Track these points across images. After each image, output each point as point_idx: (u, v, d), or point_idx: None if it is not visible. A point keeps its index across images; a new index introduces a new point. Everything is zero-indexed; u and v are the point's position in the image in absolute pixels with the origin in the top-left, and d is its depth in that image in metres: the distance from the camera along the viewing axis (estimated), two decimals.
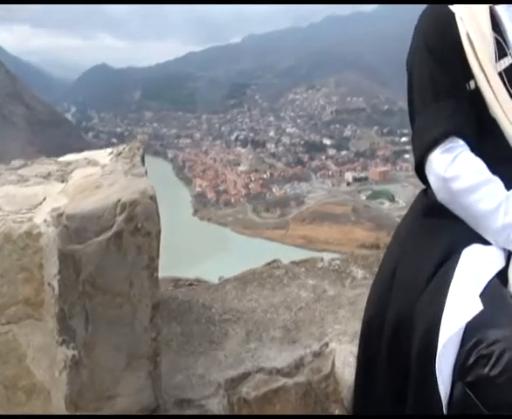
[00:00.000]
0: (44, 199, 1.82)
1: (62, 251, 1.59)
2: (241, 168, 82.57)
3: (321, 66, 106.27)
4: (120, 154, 2.27)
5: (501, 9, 1.57)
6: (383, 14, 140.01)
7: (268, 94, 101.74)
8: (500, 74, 1.51)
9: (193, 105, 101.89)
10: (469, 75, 1.51)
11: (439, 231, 1.53)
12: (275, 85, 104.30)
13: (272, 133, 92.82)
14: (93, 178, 1.93)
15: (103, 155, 2.37)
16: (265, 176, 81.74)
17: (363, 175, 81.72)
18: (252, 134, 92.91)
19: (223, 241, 65.49)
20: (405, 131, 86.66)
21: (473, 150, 1.48)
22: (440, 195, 1.50)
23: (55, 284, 1.61)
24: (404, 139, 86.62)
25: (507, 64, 1.54)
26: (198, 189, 77.82)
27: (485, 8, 1.54)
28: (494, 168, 1.47)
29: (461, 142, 1.47)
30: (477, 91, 1.50)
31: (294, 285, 2.66)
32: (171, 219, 66.75)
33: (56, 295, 1.61)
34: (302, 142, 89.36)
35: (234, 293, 2.59)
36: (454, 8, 1.54)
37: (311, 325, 2.32)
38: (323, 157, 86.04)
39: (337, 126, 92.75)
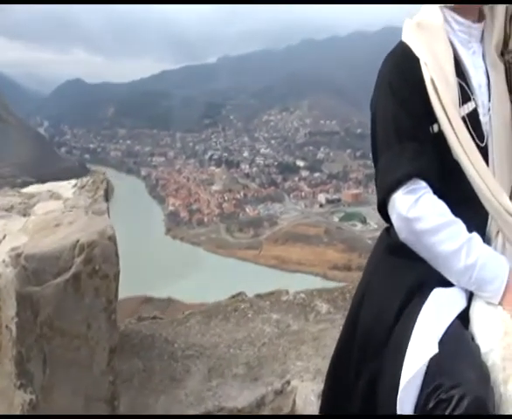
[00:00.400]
0: (4, 237, 1.81)
1: (20, 293, 1.58)
2: (215, 188, 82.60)
3: (295, 89, 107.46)
4: (83, 186, 2.27)
5: (464, 55, 1.61)
6: (357, 40, 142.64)
7: (243, 115, 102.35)
8: (463, 119, 1.54)
9: (167, 123, 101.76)
10: (433, 119, 1.53)
11: (402, 272, 1.54)
12: (250, 106, 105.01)
13: (246, 154, 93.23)
14: (54, 214, 1.92)
15: (67, 188, 2.35)
16: (238, 196, 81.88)
17: (335, 196, 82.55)
18: (226, 154, 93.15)
19: (195, 260, 65.05)
20: None
21: (435, 192, 1.50)
22: (403, 235, 1.51)
23: (13, 326, 1.59)
24: None
25: (470, 108, 1.57)
26: (171, 208, 77.41)
27: (449, 54, 1.57)
28: (457, 209, 1.48)
29: (424, 184, 1.48)
30: (440, 134, 1.52)
31: (259, 320, 2.66)
32: (144, 238, 66.44)
33: (14, 338, 1.59)
34: (276, 163, 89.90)
35: (198, 327, 2.58)
36: (419, 53, 1.55)
37: (274, 361, 2.32)
38: (297, 178, 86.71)
39: (311, 148, 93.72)
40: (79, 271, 1.59)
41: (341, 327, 1.82)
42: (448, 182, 1.52)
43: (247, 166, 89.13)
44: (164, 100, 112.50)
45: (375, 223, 75.56)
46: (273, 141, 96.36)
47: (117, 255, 1.66)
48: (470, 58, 1.61)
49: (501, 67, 1.64)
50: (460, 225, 1.46)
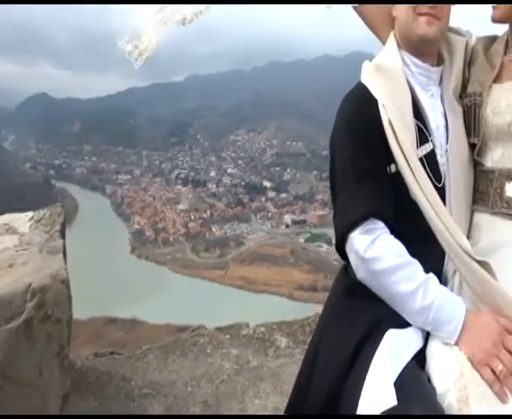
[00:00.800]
0: None
1: None
2: (181, 207, 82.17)
3: (262, 110, 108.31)
4: (40, 220, 2.23)
5: (423, 97, 1.63)
6: (324, 64, 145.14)
7: (210, 134, 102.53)
8: (421, 159, 1.55)
9: (134, 141, 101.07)
10: (390, 159, 1.54)
11: (359, 311, 1.54)
12: (217, 126, 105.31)
13: (213, 173, 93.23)
14: (8, 253, 1.88)
15: (23, 221, 2.31)
16: (205, 216, 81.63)
17: (301, 217, 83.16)
18: (192, 173, 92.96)
19: (160, 280, 64.32)
20: None
21: (393, 232, 1.50)
22: (360, 274, 1.51)
23: None
24: None
25: (428, 150, 1.59)
26: (137, 227, 76.64)
27: (407, 96, 1.59)
28: (414, 248, 1.49)
29: (381, 224, 1.49)
30: (398, 174, 1.53)
31: (218, 355, 2.64)
32: (108, 256, 65.37)
33: None
34: (243, 183, 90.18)
35: (156, 364, 2.54)
36: (377, 95, 1.57)
37: (232, 399, 2.31)
38: (263, 199, 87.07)
39: (277, 169, 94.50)
40: (31, 316, 1.57)
41: (300, 362, 1.81)
42: (406, 221, 1.52)
43: (214, 185, 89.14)
44: (131, 118, 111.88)
45: None
46: (240, 161, 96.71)
47: (70, 299, 1.64)
48: (428, 100, 1.64)
49: (460, 110, 1.68)
50: (416, 266, 1.47)
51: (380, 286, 1.48)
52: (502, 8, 1.61)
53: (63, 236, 2.08)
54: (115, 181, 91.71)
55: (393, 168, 1.53)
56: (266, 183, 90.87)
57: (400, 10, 1.64)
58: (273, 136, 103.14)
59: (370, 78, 1.62)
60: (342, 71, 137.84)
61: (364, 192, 1.50)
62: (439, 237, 1.50)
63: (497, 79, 1.65)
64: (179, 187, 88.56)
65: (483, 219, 1.63)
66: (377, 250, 1.47)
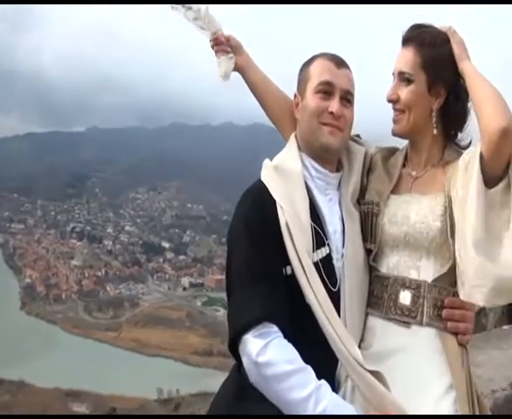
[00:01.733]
0: None
1: None
2: (75, 263, 78.83)
3: (164, 170, 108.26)
4: None
5: (321, 201, 1.67)
6: (228, 131, 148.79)
7: (109, 189, 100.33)
8: (317, 263, 1.57)
9: (29, 188, 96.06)
10: (286, 261, 1.55)
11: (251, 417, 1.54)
12: (117, 181, 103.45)
13: (110, 230, 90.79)
14: None
15: None
16: (99, 274, 78.83)
17: (199, 281, 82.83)
18: (89, 228, 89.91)
19: (51, 340, 60.65)
20: None
21: (287, 335, 1.50)
22: (253, 378, 1.49)
23: None
24: None
25: (324, 254, 1.61)
26: (28, 281, 72.23)
27: (305, 200, 1.62)
28: (308, 352, 1.49)
29: (275, 328, 1.48)
30: (293, 277, 1.54)
31: None
32: None
33: None
34: (141, 242, 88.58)
35: None
36: (276, 196, 1.60)
37: None
38: (161, 260, 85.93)
39: (176, 230, 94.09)
40: None
41: None
42: (300, 325, 1.54)
43: (110, 242, 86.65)
44: (27, 163, 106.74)
45: None
46: (138, 220, 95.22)
47: None
48: (327, 204, 1.68)
49: (357, 215, 1.73)
50: (309, 372, 1.47)
51: (272, 392, 1.47)
52: (404, 122, 1.69)
53: None
54: (8, 229, 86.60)
55: (289, 270, 1.55)
56: (165, 244, 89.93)
57: (303, 115, 1.70)
58: (174, 197, 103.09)
59: (269, 179, 1.64)
60: (244, 140, 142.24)
61: (259, 294, 1.50)
62: (332, 344, 1.52)
63: (395, 190, 1.73)
64: (74, 241, 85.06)
65: (377, 324, 1.68)
66: (269, 355, 1.46)
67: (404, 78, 1.66)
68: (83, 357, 57.89)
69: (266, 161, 1.69)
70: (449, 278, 1.60)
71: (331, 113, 1.63)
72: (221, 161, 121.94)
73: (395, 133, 1.74)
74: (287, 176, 1.63)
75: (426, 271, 1.63)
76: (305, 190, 1.63)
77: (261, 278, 1.50)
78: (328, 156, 1.69)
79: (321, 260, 1.58)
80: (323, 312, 1.52)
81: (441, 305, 1.60)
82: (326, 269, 1.58)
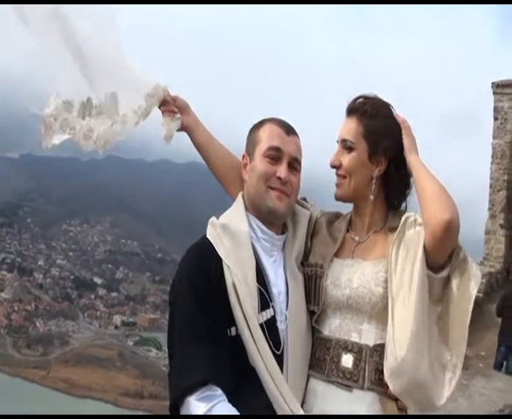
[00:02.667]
0: None
1: None
2: (4, 296, 75.84)
3: (97, 203, 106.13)
4: None
5: (267, 262, 1.68)
6: (163, 168, 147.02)
7: (41, 220, 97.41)
8: (261, 325, 1.56)
9: None
10: (232, 321, 1.54)
11: None
12: (49, 212, 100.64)
13: (41, 262, 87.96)
14: None
15: None
16: (29, 308, 76.20)
17: (131, 319, 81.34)
18: (19, 259, 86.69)
19: None
20: None
21: (230, 397, 1.47)
22: None
23: None
24: None
25: (269, 316, 1.60)
26: None
27: (252, 262, 1.62)
28: (253, 414, 1.50)
29: (219, 391, 1.45)
30: (238, 337, 1.54)
31: None
32: None
33: None
34: (72, 277, 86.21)
35: None
36: (222, 254, 1.59)
37: None
38: (93, 296, 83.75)
39: (109, 266, 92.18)
40: None
41: None
42: (245, 387, 1.52)
43: (41, 275, 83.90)
44: None
45: None
46: (71, 253, 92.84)
47: None
48: (271, 265, 1.70)
49: (301, 277, 1.76)
50: None
51: None
52: (345, 187, 1.74)
53: None
54: None
55: (233, 331, 1.54)
56: (97, 280, 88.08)
57: (251, 178, 1.73)
58: (108, 231, 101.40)
59: (215, 237, 1.64)
60: (180, 177, 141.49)
61: (203, 355, 1.47)
62: (275, 406, 1.53)
63: (338, 254, 1.76)
64: (4, 272, 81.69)
65: (318, 386, 1.68)
66: None
67: (346, 145, 1.73)
68: (10, 396, 56.08)
69: (213, 219, 1.70)
70: None
71: (279, 178, 1.68)
72: (156, 198, 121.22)
73: (337, 197, 1.80)
74: (234, 236, 1.65)
75: (368, 334, 1.66)
76: (252, 252, 1.65)
77: (205, 338, 1.49)
78: (274, 220, 1.73)
79: (265, 322, 1.59)
80: (268, 374, 1.52)
81: (382, 370, 1.61)
82: (270, 331, 1.60)
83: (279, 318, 1.66)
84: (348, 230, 1.83)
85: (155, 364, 71.24)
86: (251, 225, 1.72)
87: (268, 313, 1.63)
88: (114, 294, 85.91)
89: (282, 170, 1.69)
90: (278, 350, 1.61)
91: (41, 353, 70.55)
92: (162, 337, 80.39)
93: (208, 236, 1.67)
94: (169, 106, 1.88)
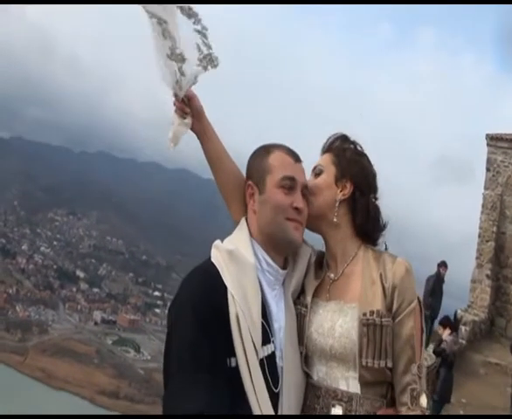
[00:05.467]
0: None
1: None
2: None
3: (85, 196, 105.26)
4: None
5: (270, 296, 1.62)
6: (154, 171, 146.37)
7: (28, 205, 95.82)
8: (261, 361, 1.51)
9: None
10: (232, 352, 1.48)
11: None
12: (36, 198, 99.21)
13: (25, 247, 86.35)
14: None
15: None
16: (10, 291, 74.52)
17: (112, 318, 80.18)
18: (3, 240, 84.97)
19: None
20: (159, 286, 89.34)
21: None
22: None
23: None
24: (156, 293, 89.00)
25: (269, 351, 1.55)
26: None
27: (258, 296, 1.56)
28: None
29: None
30: (237, 369, 1.48)
31: None
32: None
33: None
34: (55, 267, 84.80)
35: None
36: (228, 283, 1.54)
37: None
38: (74, 289, 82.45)
39: (93, 261, 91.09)
40: None
41: None
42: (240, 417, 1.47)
43: (24, 260, 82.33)
44: None
45: (148, 354, 74.93)
46: (55, 242, 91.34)
47: None
48: (273, 299, 1.64)
49: (295, 315, 1.70)
50: None
51: None
52: (310, 207, 1.71)
53: None
54: None
55: (233, 362, 1.49)
56: (80, 273, 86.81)
57: (265, 210, 1.64)
58: (94, 226, 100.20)
59: (222, 263, 1.58)
60: (170, 183, 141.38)
61: (202, 383, 1.41)
62: None
63: (318, 294, 1.72)
64: None
65: None
66: None
67: (316, 171, 1.77)
68: None
69: (218, 243, 1.64)
70: (380, 390, 1.61)
71: (296, 208, 1.63)
72: (145, 200, 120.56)
73: (305, 227, 1.74)
74: (241, 266, 1.59)
75: (355, 382, 1.61)
76: (258, 286, 1.59)
77: (205, 368, 1.44)
78: (291, 251, 1.71)
79: (266, 358, 1.54)
80: (260, 412, 1.49)
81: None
82: (270, 367, 1.55)
83: (278, 354, 1.62)
84: (326, 270, 1.80)
85: (133, 366, 70.16)
86: (256, 255, 1.65)
87: (269, 349, 1.58)
88: (95, 290, 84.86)
89: (299, 200, 1.65)
90: (276, 388, 1.57)
91: (19, 338, 68.98)
92: (141, 339, 79.42)
93: (213, 260, 1.60)
94: (183, 104, 1.71)
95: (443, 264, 10.83)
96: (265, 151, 1.71)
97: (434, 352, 8.38)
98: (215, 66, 1.65)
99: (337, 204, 1.73)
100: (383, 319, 1.59)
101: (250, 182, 1.70)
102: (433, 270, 10.65)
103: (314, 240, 1.82)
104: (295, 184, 1.65)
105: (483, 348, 12.57)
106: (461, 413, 8.63)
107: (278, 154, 1.69)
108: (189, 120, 1.71)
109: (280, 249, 1.67)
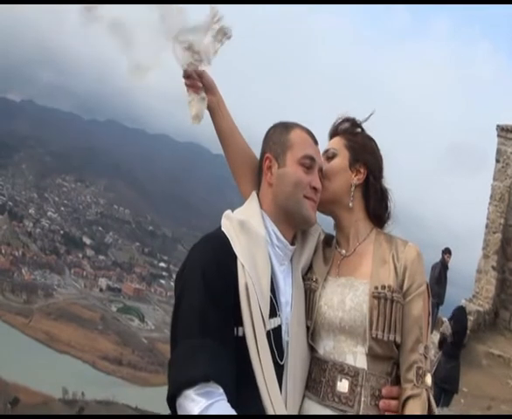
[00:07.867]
0: None
1: None
2: None
3: (94, 164, 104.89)
4: None
5: (278, 270, 1.63)
6: (163, 142, 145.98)
7: (36, 169, 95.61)
8: (268, 333, 1.52)
9: None
10: (239, 322, 1.48)
11: None
12: (45, 163, 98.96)
13: (32, 211, 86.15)
14: None
15: None
16: (16, 254, 74.47)
17: (117, 285, 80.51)
18: (11, 203, 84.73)
19: None
20: (165, 257, 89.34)
21: (230, 398, 1.42)
22: None
23: None
24: (162, 264, 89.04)
25: (276, 324, 1.56)
26: None
27: (268, 269, 1.58)
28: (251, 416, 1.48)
29: (220, 390, 1.39)
30: (243, 339, 1.48)
31: None
32: None
33: None
34: (62, 232, 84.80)
35: None
36: (239, 252, 1.54)
37: None
38: (80, 255, 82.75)
39: (100, 228, 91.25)
40: None
41: None
42: (244, 389, 1.48)
43: (31, 224, 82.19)
44: None
45: (152, 324, 75.27)
46: (62, 208, 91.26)
47: None
48: (282, 274, 1.64)
49: (303, 290, 1.71)
50: None
51: None
52: (325, 192, 1.72)
53: None
54: None
55: (240, 331, 1.49)
56: (86, 240, 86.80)
57: (283, 184, 1.64)
58: (101, 194, 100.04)
59: (232, 233, 1.58)
60: (179, 155, 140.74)
61: (208, 349, 1.42)
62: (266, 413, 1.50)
63: (330, 272, 1.72)
64: None
65: (312, 408, 1.64)
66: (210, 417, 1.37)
67: (329, 155, 1.76)
68: None
69: (229, 213, 1.64)
70: (386, 367, 1.62)
71: (314, 188, 1.65)
72: (154, 171, 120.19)
73: (318, 208, 1.76)
74: (252, 237, 1.58)
75: (362, 357, 1.61)
76: (268, 259, 1.59)
77: (212, 333, 1.43)
78: (303, 228, 1.72)
79: (272, 331, 1.54)
80: (266, 386, 1.49)
81: (379, 395, 1.60)
82: (275, 340, 1.54)
83: (284, 328, 1.61)
84: (336, 247, 1.80)
85: (137, 334, 70.45)
86: (267, 229, 1.64)
87: (276, 322, 1.58)
88: (101, 257, 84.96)
89: (317, 181, 1.67)
90: (281, 360, 1.57)
91: (24, 300, 69.09)
92: (146, 309, 79.75)
93: (223, 229, 1.59)
94: (194, 81, 1.70)
95: (447, 251, 10.91)
96: (285, 127, 1.70)
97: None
98: (229, 38, 1.68)
99: (353, 189, 1.74)
100: (394, 294, 1.60)
101: (268, 155, 1.68)
102: (439, 257, 10.66)
103: (319, 220, 1.82)
104: (314, 164, 1.66)
105: (487, 339, 12.55)
106: (462, 402, 8.52)
107: (299, 132, 1.69)
108: (204, 96, 1.71)
109: (293, 223, 1.67)
